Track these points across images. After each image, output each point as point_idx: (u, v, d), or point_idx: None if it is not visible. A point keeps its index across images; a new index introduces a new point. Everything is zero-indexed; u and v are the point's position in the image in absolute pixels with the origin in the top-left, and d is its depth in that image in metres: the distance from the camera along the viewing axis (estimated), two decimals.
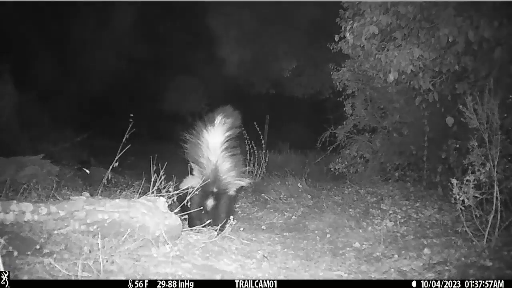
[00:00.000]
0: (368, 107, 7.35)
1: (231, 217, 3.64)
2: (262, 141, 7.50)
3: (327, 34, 6.46)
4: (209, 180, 3.82)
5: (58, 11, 10.93)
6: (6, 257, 2.20)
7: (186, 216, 3.78)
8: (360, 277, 3.07)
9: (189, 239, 3.32)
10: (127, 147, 3.62)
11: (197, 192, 3.66)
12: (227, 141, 3.98)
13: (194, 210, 3.68)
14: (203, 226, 3.65)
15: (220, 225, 3.58)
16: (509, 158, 3.69)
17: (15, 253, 2.29)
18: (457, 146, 4.88)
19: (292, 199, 5.85)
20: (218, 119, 3.96)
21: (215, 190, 3.88)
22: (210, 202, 3.87)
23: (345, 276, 3.07)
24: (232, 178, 3.99)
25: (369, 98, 7.33)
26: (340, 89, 7.42)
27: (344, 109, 7.38)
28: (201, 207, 3.77)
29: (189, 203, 3.62)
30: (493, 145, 3.45)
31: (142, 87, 15.06)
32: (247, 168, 6.12)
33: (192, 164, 4.03)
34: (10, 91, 8.34)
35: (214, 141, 3.92)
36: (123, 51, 13.35)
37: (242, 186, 4.26)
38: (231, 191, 4.02)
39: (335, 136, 7.53)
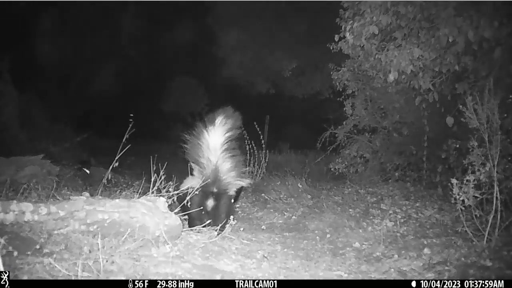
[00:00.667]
0: (368, 107, 7.34)
1: (231, 217, 3.64)
2: (262, 141, 7.50)
3: (327, 34, 6.46)
4: (209, 180, 3.82)
5: (58, 11, 10.94)
6: (6, 257, 2.20)
7: (186, 217, 3.78)
8: (360, 277, 3.07)
9: (189, 239, 3.32)
10: (127, 147, 3.62)
11: (197, 193, 3.66)
12: (227, 141, 3.98)
13: (194, 210, 3.69)
14: (203, 226, 3.65)
15: (220, 225, 3.59)
16: (509, 158, 3.68)
17: (15, 253, 2.29)
18: (457, 146, 4.87)
19: (292, 199, 5.84)
20: (218, 119, 3.96)
21: (215, 190, 3.88)
22: (210, 203, 3.87)
23: (345, 276, 3.07)
24: (233, 179, 4.00)
25: (369, 98, 7.32)
26: (340, 89, 7.42)
27: (344, 109, 7.37)
28: (201, 208, 3.77)
29: (189, 203, 3.62)
30: (493, 145, 3.45)
31: (142, 87, 15.07)
32: (247, 168, 6.11)
33: (192, 164, 4.03)
34: (10, 91, 8.34)
35: (214, 141, 3.92)
36: (123, 51, 13.37)
37: (242, 187, 4.26)
38: (231, 191, 4.02)
39: (335, 136, 7.52)
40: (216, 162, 3.90)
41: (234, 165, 4.00)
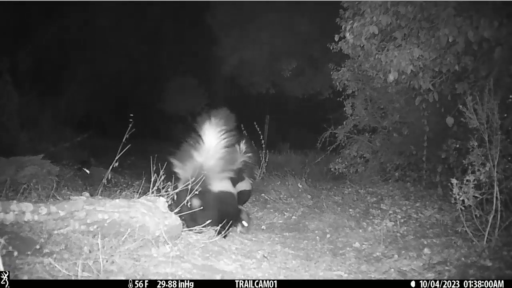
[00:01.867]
0: (368, 107, 7.34)
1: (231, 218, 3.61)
2: (262, 141, 7.50)
3: (327, 34, 6.46)
4: (202, 180, 3.74)
5: (58, 11, 10.94)
6: (6, 257, 2.20)
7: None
8: (360, 277, 3.07)
9: (189, 239, 3.32)
10: (127, 147, 3.61)
11: (197, 193, 3.62)
12: (221, 142, 3.90)
13: (193, 212, 3.65)
14: (203, 226, 3.63)
15: (220, 225, 3.57)
16: (509, 158, 3.69)
17: (15, 253, 2.29)
18: (457, 146, 4.87)
19: (292, 199, 5.85)
20: (212, 121, 3.91)
21: (201, 189, 3.77)
22: (196, 202, 3.77)
23: (345, 276, 3.07)
24: (225, 179, 3.90)
25: (369, 98, 7.32)
26: (340, 89, 7.42)
27: (344, 109, 7.37)
28: (201, 207, 3.73)
29: (188, 204, 3.59)
30: (493, 145, 3.45)
31: (143, 87, 15.08)
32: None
33: (179, 164, 3.94)
34: (10, 91, 8.34)
35: (207, 142, 3.85)
36: (123, 51, 13.36)
37: (246, 190, 4.20)
38: (224, 189, 3.90)
39: (335, 136, 7.52)
40: (204, 163, 3.77)
41: (227, 165, 3.89)
